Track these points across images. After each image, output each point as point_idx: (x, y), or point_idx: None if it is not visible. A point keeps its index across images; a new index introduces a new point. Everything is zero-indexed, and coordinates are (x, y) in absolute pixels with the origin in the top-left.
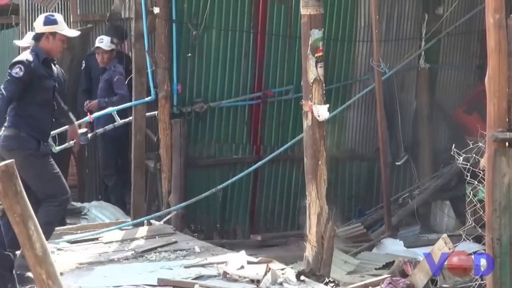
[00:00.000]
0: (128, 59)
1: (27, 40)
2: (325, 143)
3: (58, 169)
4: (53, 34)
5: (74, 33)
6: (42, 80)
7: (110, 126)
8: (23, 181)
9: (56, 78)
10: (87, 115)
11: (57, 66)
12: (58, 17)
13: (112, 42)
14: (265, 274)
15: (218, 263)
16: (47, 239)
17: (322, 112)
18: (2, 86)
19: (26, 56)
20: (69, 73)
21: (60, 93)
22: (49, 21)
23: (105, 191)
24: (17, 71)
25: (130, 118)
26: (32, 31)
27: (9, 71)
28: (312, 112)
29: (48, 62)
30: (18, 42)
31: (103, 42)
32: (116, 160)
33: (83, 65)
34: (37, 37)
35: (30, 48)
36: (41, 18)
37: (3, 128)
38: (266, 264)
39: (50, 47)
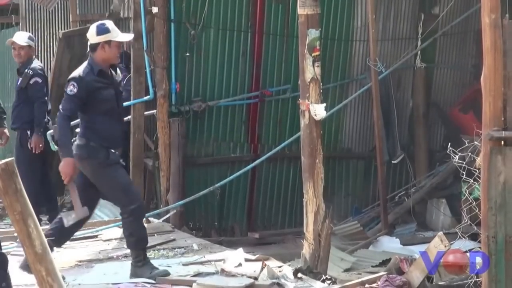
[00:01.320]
0: (127, 57)
1: (23, 39)
2: (322, 142)
3: (128, 179)
4: (108, 42)
5: (128, 37)
6: (100, 92)
7: None
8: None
9: (116, 84)
10: None
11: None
12: (109, 24)
13: None
14: (261, 270)
15: (216, 260)
16: (142, 247)
17: (319, 111)
18: (60, 106)
19: (80, 71)
20: (68, 73)
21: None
22: (102, 30)
23: None
24: (71, 89)
25: (129, 117)
26: (28, 31)
27: (64, 89)
28: (309, 111)
29: (104, 73)
30: (18, 40)
31: None
32: None
33: None
34: (93, 48)
35: (87, 61)
36: (93, 29)
37: (76, 138)
38: (262, 261)
39: (107, 56)
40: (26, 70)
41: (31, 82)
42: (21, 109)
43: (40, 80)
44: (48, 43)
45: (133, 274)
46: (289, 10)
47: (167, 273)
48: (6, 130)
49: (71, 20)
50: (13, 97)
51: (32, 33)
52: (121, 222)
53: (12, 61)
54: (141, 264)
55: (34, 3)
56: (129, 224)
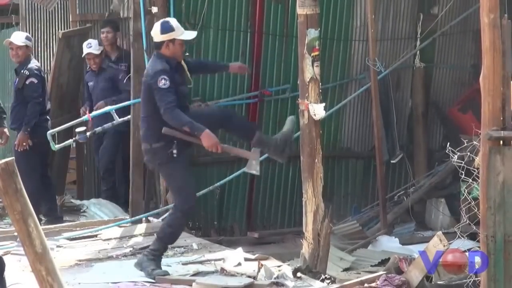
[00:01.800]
0: (128, 56)
1: (20, 39)
2: (321, 142)
3: (187, 178)
4: (172, 41)
5: (192, 34)
6: (178, 87)
7: (109, 124)
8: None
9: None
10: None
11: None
12: (173, 22)
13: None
14: (258, 270)
15: (215, 260)
16: (162, 242)
17: (318, 111)
18: (161, 104)
19: (159, 65)
20: (68, 73)
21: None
22: (166, 29)
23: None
24: (164, 82)
25: (129, 116)
26: (28, 31)
27: (149, 82)
28: (309, 111)
29: (180, 67)
30: (15, 40)
31: (92, 46)
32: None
33: (88, 65)
34: (157, 46)
35: (156, 56)
36: (157, 27)
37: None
38: (258, 261)
39: (171, 54)
40: (22, 71)
41: (27, 82)
42: (19, 109)
43: (36, 81)
44: (48, 43)
45: (138, 263)
46: (288, 10)
47: (167, 274)
48: (6, 130)
49: (71, 20)
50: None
51: (32, 33)
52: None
53: (12, 61)
54: (152, 257)
55: (34, 3)
56: (174, 219)
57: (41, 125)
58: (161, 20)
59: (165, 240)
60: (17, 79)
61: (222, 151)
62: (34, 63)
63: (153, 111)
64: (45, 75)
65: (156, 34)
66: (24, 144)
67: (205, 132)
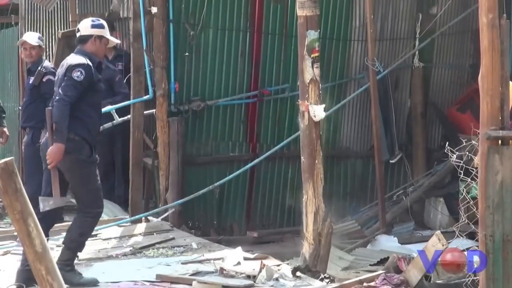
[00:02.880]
0: (127, 57)
1: (34, 39)
2: (321, 142)
3: (98, 181)
4: (100, 37)
5: (116, 40)
6: (96, 84)
7: (109, 124)
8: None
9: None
10: None
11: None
12: (103, 22)
13: None
14: (260, 270)
15: (215, 259)
16: (80, 251)
17: (318, 112)
18: (61, 91)
19: (82, 59)
20: None
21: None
22: (97, 25)
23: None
24: (78, 75)
25: (128, 116)
26: (28, 31)
27: (64, 72)
28: (309, 112)
29: (100, 65)
30: (29, 40)
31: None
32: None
33: None
34: (83, 40)
35: (78, 51)
36: (87, 22)
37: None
38: (260, 261)
39: (96, 50)
40: (39, 68)
41: (44, 79)
42: (34, 107)
43: (53, 78)
44: (48, 43)
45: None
46: (287, 10)
47: (95, 282)
48: (5, 129)
49: (70, 20)
50: (13, 97)
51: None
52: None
53: (12, 61)
54: (70, 268)
55: (34, 3)
56: (89, 225)
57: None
58: (91, 18)
59: (78, 250)
60: (31, 77)
61: (51, 168)
62: (47, 63)
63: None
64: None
65: (86, 27)
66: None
67: (60, 145)
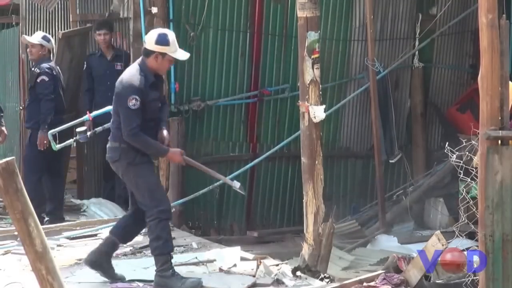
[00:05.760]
0: (127, 57)
1: (36, 37)
2: (321, 143)
3: (155, 181)
4: (163, 54)
5: (185, 55)
6: (150, 104)
7: (109, 124)
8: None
9: (163, 97)
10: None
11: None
12: (171, 36)
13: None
14: (257, 268)
15: (208, 261)
16: (167, 252)
17: (318, 113)
18: (125, 125)
19: (135, 80)
20: (68, 73)
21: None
22: (162, 41)
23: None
24: (134, 103)
25: None
26: (29, 31)
27: (121, 92)
28: (309, 113)
29: (156, 85)
30: (28, 38)
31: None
32: None
33: (85, 65)
34: (147, 54)
35: (138, 64)
36: (154, 35)
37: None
38: (257, 258)
39: (157, 67)
40: (32, 69)
41: (38, 80)
42: (32, 108)
43: (46, 78)
44: None
45: (161, 284)
46: (287, 11)
47: (200, 283)
48: (3, 128)
49: (71, 20)
50: (14, 96)
51: (32, 33)
52: (149, 225)
53: (13, 61)
54: (169, 274)
55: (35, 3)
56: (154, 227)
57: (55, 125)
58: (160, 30)
59: (164, 252)
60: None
61: (185, 164)
62: (47, 62)
63: None
64: (59, 75)
65: (150, 42)
66: (45, 142)
67: (170, 153)
